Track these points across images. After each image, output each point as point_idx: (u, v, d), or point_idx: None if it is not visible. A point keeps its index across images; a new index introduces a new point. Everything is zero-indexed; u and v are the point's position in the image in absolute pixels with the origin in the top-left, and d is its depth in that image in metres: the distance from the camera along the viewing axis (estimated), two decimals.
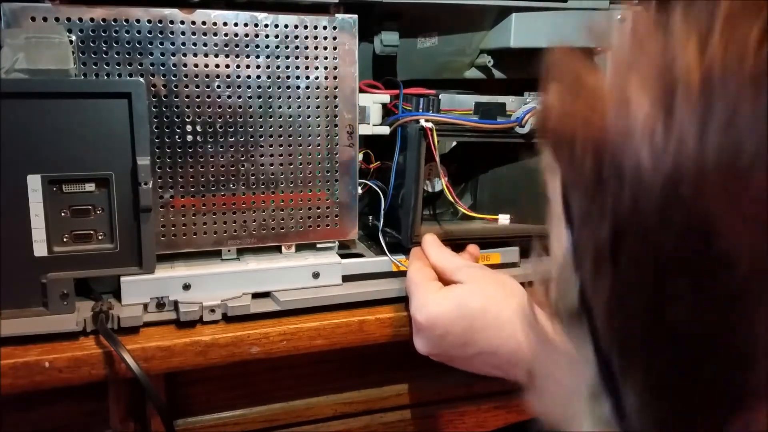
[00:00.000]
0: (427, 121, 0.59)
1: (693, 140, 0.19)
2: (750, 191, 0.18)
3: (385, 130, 0.62)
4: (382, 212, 0.63)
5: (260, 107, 0.56)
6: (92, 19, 0.51)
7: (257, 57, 0.55)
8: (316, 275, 0.59)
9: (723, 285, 0.19)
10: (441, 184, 0.63)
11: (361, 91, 0.61)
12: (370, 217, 0.66)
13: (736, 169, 0.18)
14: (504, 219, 0.61)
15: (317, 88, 0.58)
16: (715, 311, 0.19)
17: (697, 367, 0.20)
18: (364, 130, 0.61)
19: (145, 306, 0.54)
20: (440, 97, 0.62)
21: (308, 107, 0.58)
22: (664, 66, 0.20)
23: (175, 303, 0.54)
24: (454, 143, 0.67)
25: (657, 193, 0.19)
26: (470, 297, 0.51)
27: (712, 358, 0.19)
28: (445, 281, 0.56)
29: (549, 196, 0.26)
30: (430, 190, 0.67)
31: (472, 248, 0.63)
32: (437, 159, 0.59)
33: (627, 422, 0.21)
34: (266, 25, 0.55)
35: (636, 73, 0.21)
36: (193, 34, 0.53)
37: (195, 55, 0.54)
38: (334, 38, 0.57)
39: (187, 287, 0.55)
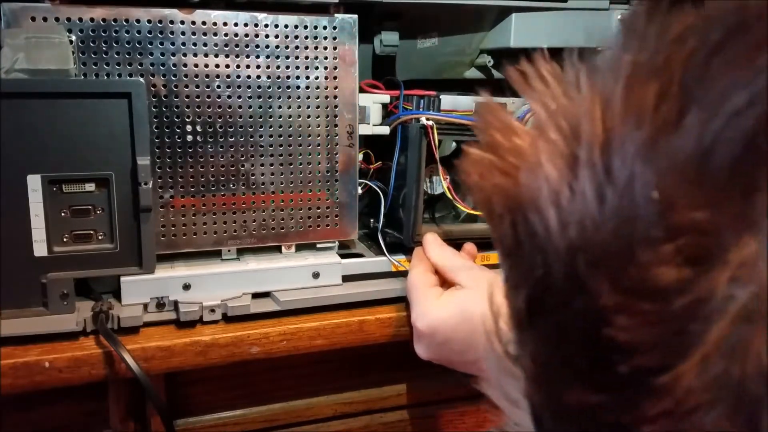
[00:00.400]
0: (427, 119, 0.59)
1: (593, 205, 0.18)
2: (636, 269, 0.17)
3: (385, 130, 0.62)
4: (382, 212, 0.63)
5: (260, 107, 0.56)
6: (92, 19, 0.51)
7: (257, 57, 0.55)
8: (316, 275, 0.59)
9: (617, 372, 0.18)
10: (442, 185, 0.63)
11: (362, 90, 0.61)
12: (371, 219, 0.66)
13: (630, 238, 0.17)
14: None
15: (317, 88, 0.58)
16: (617, 400, 0.18)
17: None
18: (364, 130, 0.61)
19: (145, 306, 0.54)
20: (441, 97, 0.62)
21: (308, 107, 0.58)
22: (570, 129, 0.20)
23: (175, 303, 0.54)
24: (455, 145, 0.67)
25: (563, 260, 0.19)
26: (471, 303, 0.51)
27: None
28: (445, 281, 0.56)
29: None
30: (430, 192, 0.67)
31: (469, 246, 0.62)
32: (437, 158, 0.59)
33: None
34: (266, 25, 0.55)
35: (548, 135, 0.21)
36: (193, 34, 0.53)
37: (195, 55, 0.54)
38: (334, 38, 0.57)
39: (187, 287, 0.55)
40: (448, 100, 0.63)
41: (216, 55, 0.54)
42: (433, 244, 0.59)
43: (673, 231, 0.17)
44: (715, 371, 0.16)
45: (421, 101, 0.62)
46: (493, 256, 0.65)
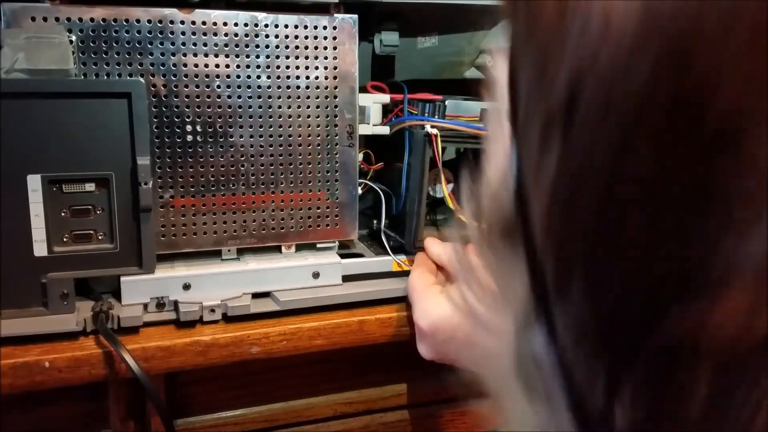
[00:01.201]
0: (432, 127, 0.58)
1: None
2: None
3: (385, 130, 0.62)
4: (383, 213, 0.63)
5: (260, 107, 0.56)
6: (92, 19, 0.51)
7: (257, 57, 0.55)
8: (316, 275, 0.59)
9: (697, 133, 0.15)
10: (443, 192, 0.62)
11: (366, 92, 0.61)
12: (374, 221, 0.66)
13: None
14: None
15: (317, 88, 0.58)
16: (684, 174, 0.16)
17: (645, 263, 0.17)
18: (364, 130, 0.61)
19: (145, 306, 0.54)
20: (446, 103, 0.61)
21: (308, 107, 0.58)
22: None
23: (175, 303, 0.54)
24: (461, 148, 0.67)
25: (633, 22, 0.16)
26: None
27: (668, 243, 0.16)
28: (448, 278, 0.56)
29: (491, 100, 0.23)
30: (432, 195, 0.66)
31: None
32: (440, 166, 0.59)
33: (560, 348, 0.19)
34: (266, 25, 0.55)
35: None
36: (193, 34, 0.53)
37: (195, 55, 0.54)
38: (334, 38, 0.57)
39: (187, 287, 0.55)
40: (453, 105, 0.62)
41: (216, 55, 0.54)
42: (434, 242, 0.59)
43: None
44: None
45: (427, 106, 0.61)
46: None
